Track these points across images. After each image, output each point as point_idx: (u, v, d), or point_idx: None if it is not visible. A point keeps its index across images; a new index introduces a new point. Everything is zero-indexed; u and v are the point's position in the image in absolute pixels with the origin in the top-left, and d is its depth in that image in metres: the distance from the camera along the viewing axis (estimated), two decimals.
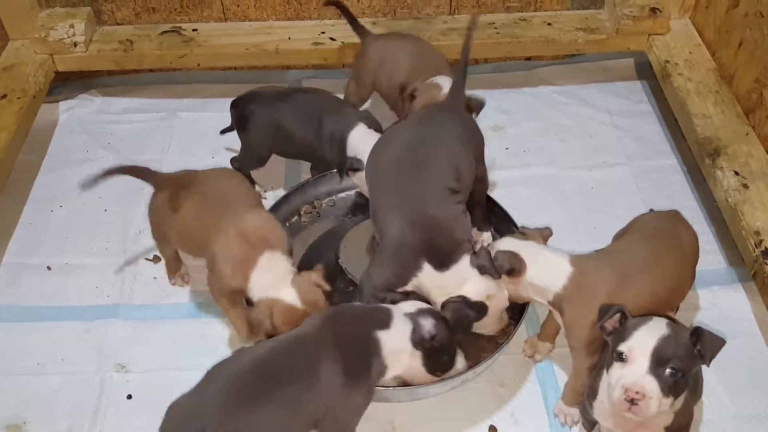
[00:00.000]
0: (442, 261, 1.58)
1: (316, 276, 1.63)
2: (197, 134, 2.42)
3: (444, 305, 1.58)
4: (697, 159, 2.15)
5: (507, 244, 1.61)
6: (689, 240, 1.67)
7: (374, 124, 2.03)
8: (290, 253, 1.68)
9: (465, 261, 1.59)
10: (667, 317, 1.43)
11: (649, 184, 2.25)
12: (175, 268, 1.97)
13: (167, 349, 1.84)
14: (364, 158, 1.88)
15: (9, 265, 2.04)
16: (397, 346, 1.50)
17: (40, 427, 1.69)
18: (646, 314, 1.42)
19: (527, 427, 1.68)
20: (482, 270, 1.58)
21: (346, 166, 1.92)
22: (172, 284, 1.98)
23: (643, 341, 1.31)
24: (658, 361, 1.29)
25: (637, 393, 1.27)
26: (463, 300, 1.57)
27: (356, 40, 2.30)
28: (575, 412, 1.66)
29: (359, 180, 1.94)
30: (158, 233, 1.85)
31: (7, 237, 2.11)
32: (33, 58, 2.43)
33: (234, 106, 2.13)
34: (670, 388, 1.29)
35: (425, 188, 1.62)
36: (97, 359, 1.81)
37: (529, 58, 2.70)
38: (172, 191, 1.74)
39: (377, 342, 1.48)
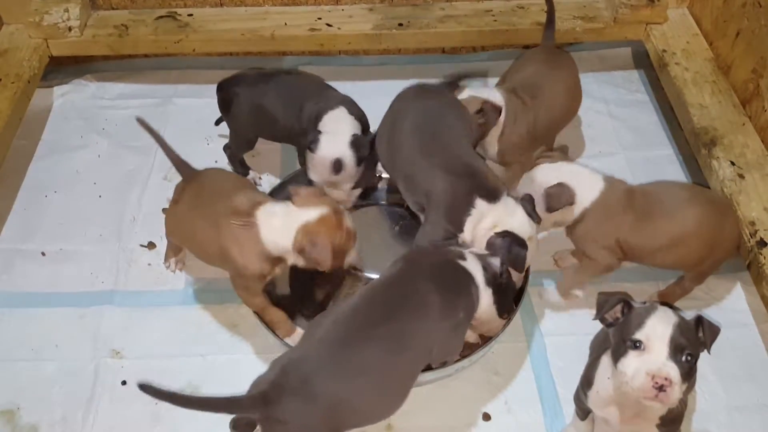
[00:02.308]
0: (492, 193, 1.65)
1: (305, 188, 1.66)
2: (192, 120, 2.40)
3: (490, 242, 1.62)
4: (693, 149, 2.15)
5: (550, 172, 1.76)
6: (730, 231, 1.79)
7: (356, 110, 1.97)
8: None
9: (510, 197, 1.68)
10: (668, 305, 1.43)
11: (645, 174, 2.23)
12: (173, 253, 1.96)
13: (162, 336, 1.84)
14: (334, 138, 1.86)
15: (3, 251, 2.03)
16: (479, 280, 1.54)
17: (34, 412, 1.69)
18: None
19: (521, 415, 1.69)
20: (526, 210, 1.66)
21: (308, 139, 1.86)
22: (166, 266, 1.98)
23: (658, 329, 1.30)
24: (676, 348, 1.29)
25: (665, 379, 1.27)
26: (510, 235, 1.61)
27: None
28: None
29: (316, 161, 1.88)
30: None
31: (0, 223, 2.10)
32: (27, 43, 2.41)
33: (219, 88, 2.11)
34: (686, 374, 1.29)
35: (455, 146, 1.73)
36: (91, 345, 1.81)
37: (527, 47, 2.67)
38: (181, 186, 1.79)
39: (467, 271, 1.53)
